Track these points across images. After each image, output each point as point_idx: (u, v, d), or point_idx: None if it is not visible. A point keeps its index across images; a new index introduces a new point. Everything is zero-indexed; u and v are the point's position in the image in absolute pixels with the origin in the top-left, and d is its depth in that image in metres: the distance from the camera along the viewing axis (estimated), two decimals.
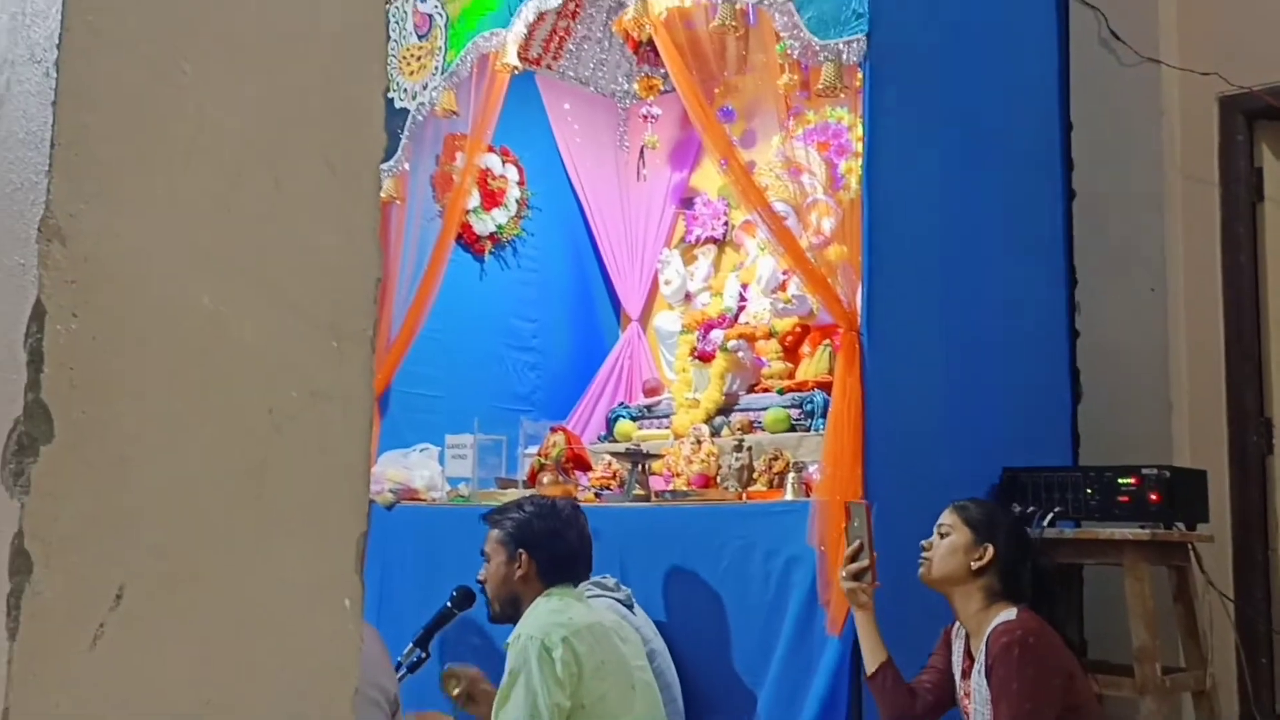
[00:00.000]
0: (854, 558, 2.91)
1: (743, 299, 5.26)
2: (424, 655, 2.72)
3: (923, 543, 2.85)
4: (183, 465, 1.07)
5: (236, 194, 1.10)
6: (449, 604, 2.79)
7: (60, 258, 1.00)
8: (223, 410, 1.10)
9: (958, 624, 2.83)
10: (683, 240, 5.78)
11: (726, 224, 5.62)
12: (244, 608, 1.10)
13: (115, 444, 1.02)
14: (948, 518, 2.84)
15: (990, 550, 2.74)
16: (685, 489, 4.09)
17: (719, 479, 4.14)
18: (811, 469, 3.73)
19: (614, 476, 4.41)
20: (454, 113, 4.71)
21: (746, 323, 5.09)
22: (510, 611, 2.51)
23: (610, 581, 2.88)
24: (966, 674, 2.73)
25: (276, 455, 1.14)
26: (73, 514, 0.99)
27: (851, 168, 4.80)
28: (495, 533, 2.62)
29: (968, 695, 2.71)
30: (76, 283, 1.01)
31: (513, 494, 3.73)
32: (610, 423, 5.33)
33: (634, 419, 5.24)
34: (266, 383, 1.14)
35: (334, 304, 1.20)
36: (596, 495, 4.13)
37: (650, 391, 5.44)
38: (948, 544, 2.78)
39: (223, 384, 1.11)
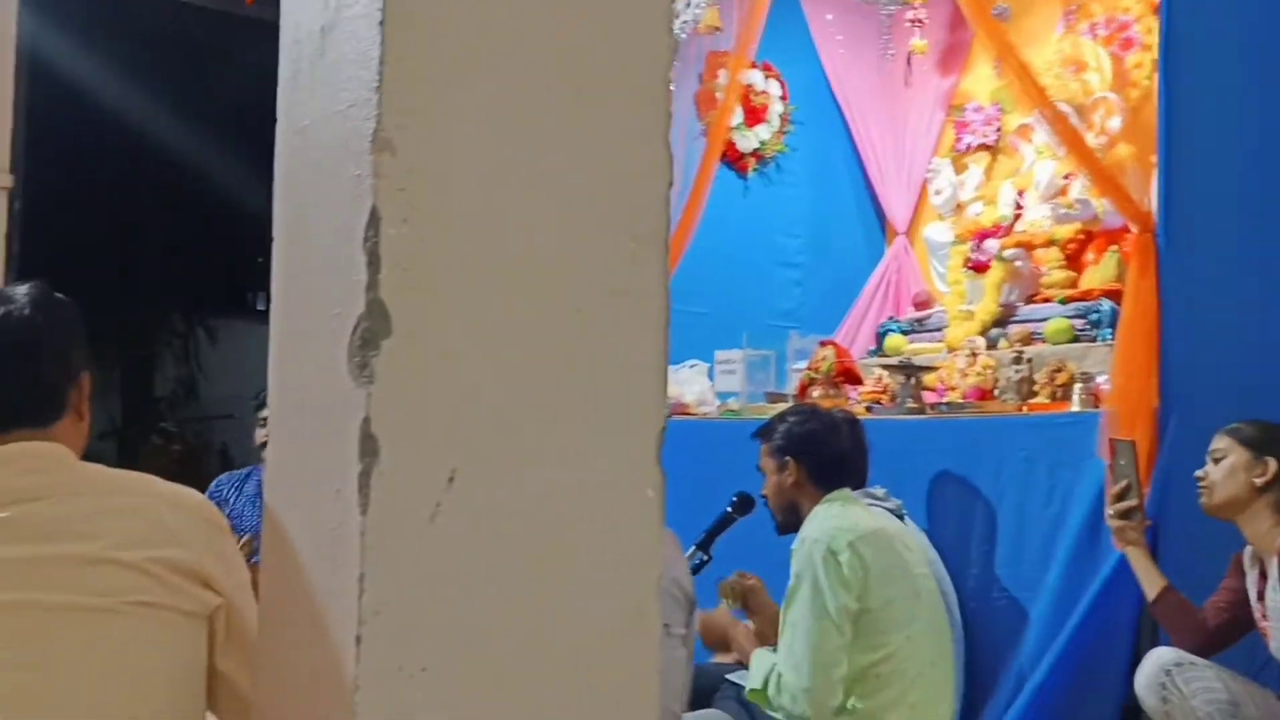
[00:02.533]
0: (1122, 496, 2.84)
1: (1018, 207, 5.04)
2: (706, 558, 2.81)
3: (1197, 474, 2.73)
4: (500, 359, 1.14)
5: (543, 103, 1.16)
6: (729, 509, 2.86)
7: (391, 167, 1.09)
8: (535, 308, 1.17)
9: (1249, 549, 2.68)
10: (953, 149, 5.58)
11: (999, 130, 5.39)
12: (556, 493, 1.17)
13: (443, 338, 1.11)
14: (1220, 441, 2.72)
15: (1273, 464, 2.62)
16: (960, 401, 4.00)
17: (996, 392, 4.03)
18: (1099, 380, 3.56)
19: (884, 391, 4.36)
20: (717, 29, 4.71)
21: (1023, 231, 4.88)
22: (792, 520, 2.55)
23: (880, 492, 2.88)
24: (1262, 595, 2.59)
25: (583, 351, 1.21)
26: (410, 402, 1.09)
27: (1140, 62, 4.48)
28: (765, 446, 2.67)
29: (1265, 616, 2.58)
30: (405, 190, 1.09)
31: (782, 408, 3.76)
32: (879, 337, 5.27)
33: (904, 333, 5.15)
34: (572, 282, 1.20)
35: (631, 207, 1.24)
36: (867, 409, 4.11)
37: (920, 305, 5.32)
38: (1225, 466, 2.67)
39: (534, 283, 1.18)
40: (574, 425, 1.19)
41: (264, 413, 3.55)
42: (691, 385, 4.26)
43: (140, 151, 9.16)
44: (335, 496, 1.08)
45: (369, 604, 1.04)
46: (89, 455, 1.48)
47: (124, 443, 10.88)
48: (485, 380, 1.13)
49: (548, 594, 1.16)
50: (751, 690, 2.31)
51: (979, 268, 4.88)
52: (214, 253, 10.89)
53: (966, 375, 4.18)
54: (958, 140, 5.53)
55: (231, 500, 3.60)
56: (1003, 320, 4.60)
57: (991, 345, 4.41)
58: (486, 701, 1.10)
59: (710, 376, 4.38)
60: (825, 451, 2.68)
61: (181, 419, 11.75)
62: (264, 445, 3.38)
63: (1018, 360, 3.99)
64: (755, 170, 5.43)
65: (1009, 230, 4.95)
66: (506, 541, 1.13)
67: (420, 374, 1.09)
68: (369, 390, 1.07)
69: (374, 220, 1.08)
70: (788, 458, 2.55)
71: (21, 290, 1.42)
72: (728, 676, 2.56)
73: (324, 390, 1.11)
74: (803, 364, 4.37)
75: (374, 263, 1.08)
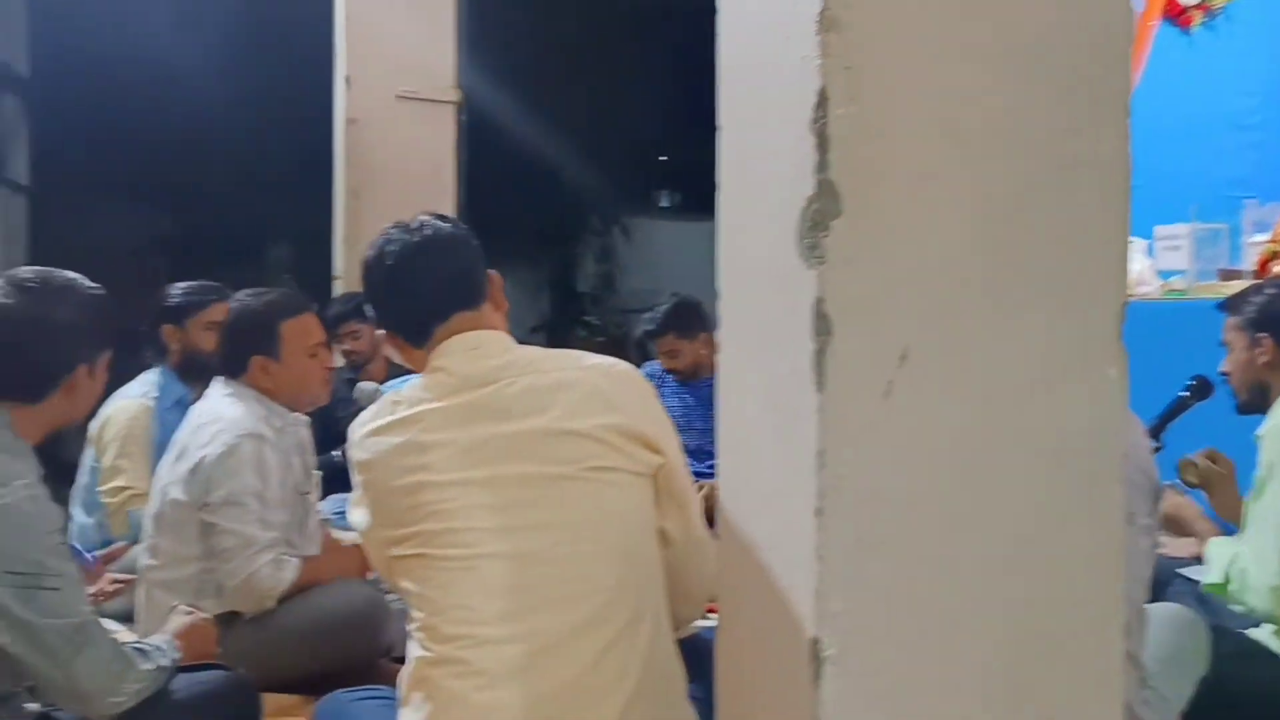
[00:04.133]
0: None
1: None
2: (1158, 445, 2.63)
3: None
4: (952, 236, 1.12)
5: None
6: (1185, 393, 2.65)
7: (837, 46, 1.08)
8: (987, 181, 1.13)
9: None
10: None
11: None
12: (1011, 371, 1.14)
13: (890, 217, 1.10)
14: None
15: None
16: None
17: None
18: None
19: None
20: None
21: None
22: (1257, 401, 2.31)
23: None
24: None
25: (1037, 224, 1.15)
26: (861, 281, 1.09)
27: None
28: (1233, 319, 2.41)
29: None
30: (853, 69, 1.08)
31: (1237, 285, 3.41)
32: None
33: None
34: (1020, 154, 1.15)
35: (1087, 70, 1.16)
36: None
37: None
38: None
39: (986, 156, 1.13)
40: (1028, 301, 1.14)
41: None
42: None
43: (564, 66, 9.73)
44: (789, 375, 1.11)
45: (828, 479, 1.07)
46: None
47: (552, 335, 11.79)
48: (936, 257, 1.11)
49: (1003, 474, 1.14)
50: (1209, 584, 2.15)
51: None
52: (623, 154, 11.40)
53: None
54: None
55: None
56: None
57: None
58: (944, 576, 1.10)
59: (1150, 253, 4.04)
60: None
61: (602, 312, 12.52)
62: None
63: None
64: (1201, 23, 4.88)
65: None
66: (960, 420, 1.11)
67: (871, 253, 1.09)
68: (820, 270, 1.08)
69: (822, 100, 1.08)
70: (1262, 333, 2.30)
71: (426, 214, 1.64)
72: (1179, 571, 2.39)
73: (774, 272, 1.14)
74: (1263, 236, 3.91)
75: (823, 143, 1.08)
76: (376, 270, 1.59)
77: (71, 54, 6.29)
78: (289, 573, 2.20)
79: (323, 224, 5.06)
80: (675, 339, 3.56)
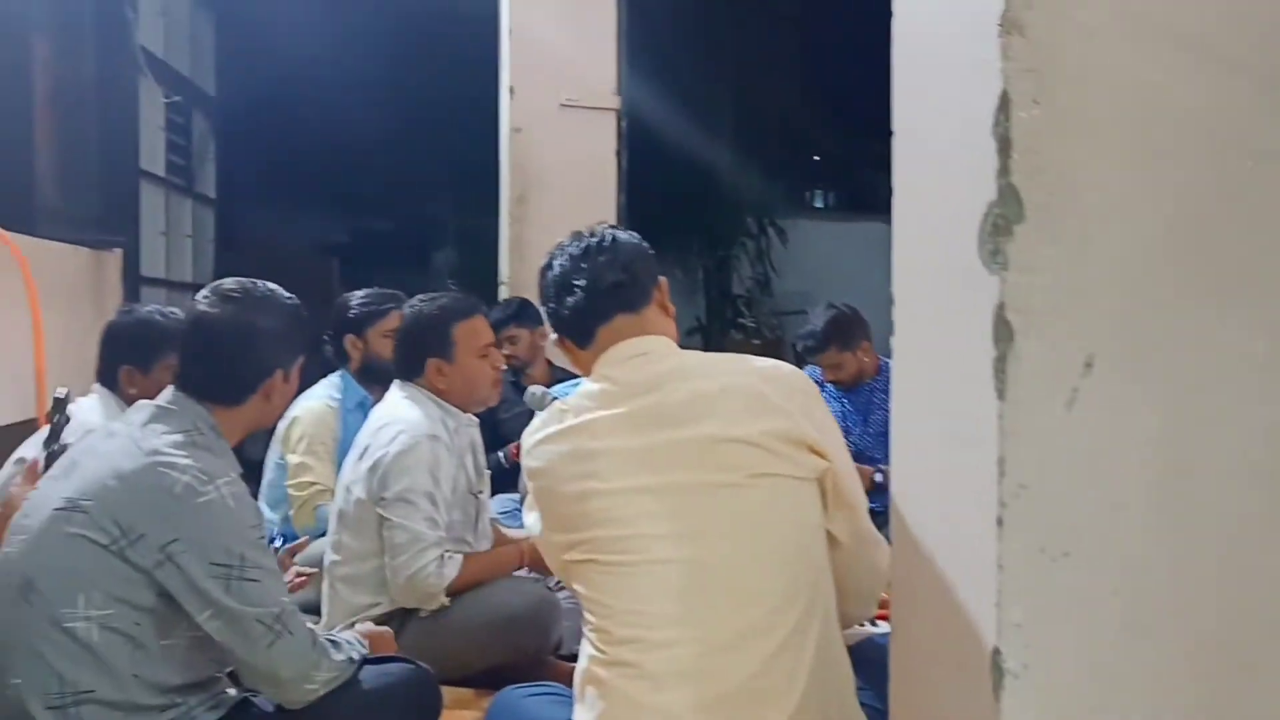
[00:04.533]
0: None
1: None
2: None
3: None
4: (1139, 241, 1.09)
5: None
6: None
7: (1019, 48, 1.06)
8: (1176, 185, 1.10)
9: None
10: None
11: None
12: (1207, 378, 1.10)
13: (1077, 222, 1.08)
14: None
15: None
16: None
17: None
18: None
19: None
20: None
21: None
22: None
23: None
24: None
25: (1231, 224, 1.11)
26: (1044, 287, 1.07)
27: None
28: None
29: None
30: (1035, 71, 1.06)
31: None
32: None
33: None
34: (1217, 150, 1.11)
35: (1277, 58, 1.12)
36: None
37: None
38: None
39: (1171, 153, 1.10)
40: (1228, 304, 1.10)
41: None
42: None
43: (718, 67, 9.77)
44: (969, 382, 1.10)
45: (1009, 486, 1.06)
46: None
47: (708, 338, 11.81)
48: (1126, 261, 1.08)
49: (1203, 484, 1.10)
50: None
51: None
52: (777, 155, 11.34)
53: None
54: None
55: None
56: None
57: None
58: (1135, 590, 1.08)
59: None
60: None
61: (757, 314, 12.48)
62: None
63: None
64: None
65: None
66: (1152, 429, 1.08)
67: (1054, 258, 1.07)
68: (1002, 275, 1.07)
69: (1004, 104, 1.06)
70: None
71: (599, 224, 1.68)
72: None
73: (953, 277, 1.13)
74: None
75: (1004, 147, 1.06)
76: (547, 274, 1.64)
77: (252, 72, 6.62)
78: (451, 570, 2.27)
79: (486, 230, 5.19)
80: (838, 353, 3.52)
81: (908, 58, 1.26)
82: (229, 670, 1.72)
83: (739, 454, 1.44)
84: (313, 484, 2.98)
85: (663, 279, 1.65)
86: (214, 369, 1.71)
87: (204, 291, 1.77)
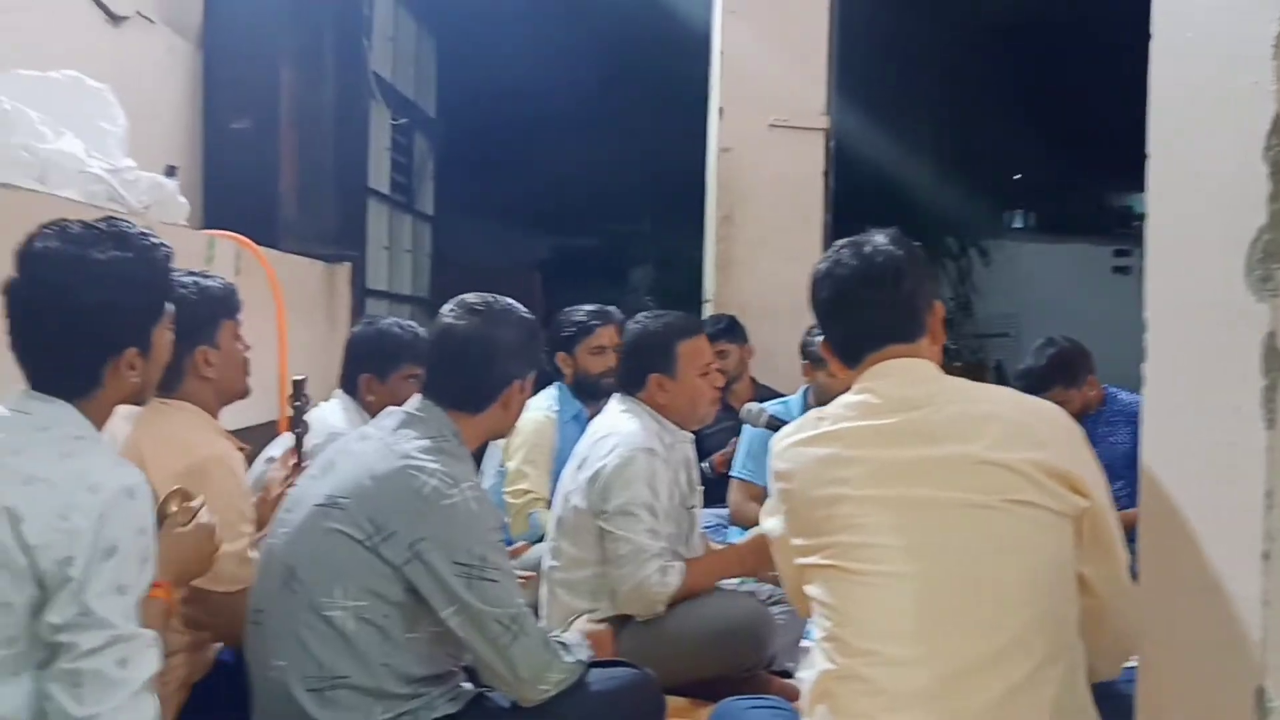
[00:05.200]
0: None
1: None
2: None
3: None
4: None
5: None
6: None
7: None
8: None
9: None
10: None
11: None
12: None
13: None
14: None
15: None
16: None
17: None
18: None
19: None
20: None
21: None
22: None
23: None
24: None
25: None
26: None
27: None
28: None
29: None
30: None
31: None
32: None
33: None
34: None
35: None
36: None
37: None
38: None
39: None
40: None
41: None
42: None
43: (921, 87, 9.65)
44: (1234, 412, 1.07)
45: (1277, 520, 1.02)
46: None
47: None
48: None
49: None
50: None
51: None
52: (977, 174, 11.09)
53: None
54: None
55: None
56: None
57: None
58: None
59: None
60: None
61: (959, 337, 12.19)
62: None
63: None
64: None
65: None
66: None
67: None
68: (1272, 303, 1.03)
69: (1276, 127, 1.03)
70: None
71: (880, 234, 1.62)
72: None
73: (1216, 305, 1.10)
74: None
75: (1276, 171, 1.03)
76: (823, 289, 1.63)
77: (469, 93, 6.91)
78: (674, 578, 2.32)
79: (686, 248, 5.27)
80: (1063, 390, 3.42)
81: (1166, 80, 1.23)
82: (464, 664, 1.81)
83: (997, 477, 1.42)
84: (527, 492, 3.10)
85: (938, 305, 1.63)
86: (459, 378, 1.81)
87: (449, 305, 1.88)
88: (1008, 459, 1.42)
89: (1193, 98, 1.18)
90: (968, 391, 1.54)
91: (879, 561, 1.43)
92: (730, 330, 3.94)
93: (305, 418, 2.27)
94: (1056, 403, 3.37)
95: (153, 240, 1.48)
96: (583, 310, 3.30)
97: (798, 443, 1.55)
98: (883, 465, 1.46)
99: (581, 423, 2.93)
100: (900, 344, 1.57)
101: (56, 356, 1.42)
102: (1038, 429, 1.46)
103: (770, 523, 1.61)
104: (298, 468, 2.10)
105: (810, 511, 1.51)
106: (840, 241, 1.65)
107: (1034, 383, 3.39)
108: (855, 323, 1.59)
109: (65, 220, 1.43)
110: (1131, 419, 3.36)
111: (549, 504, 2.96)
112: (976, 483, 1.42)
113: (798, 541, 1.53)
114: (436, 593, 1.66)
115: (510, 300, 1.90)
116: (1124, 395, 3.47)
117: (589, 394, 3.15)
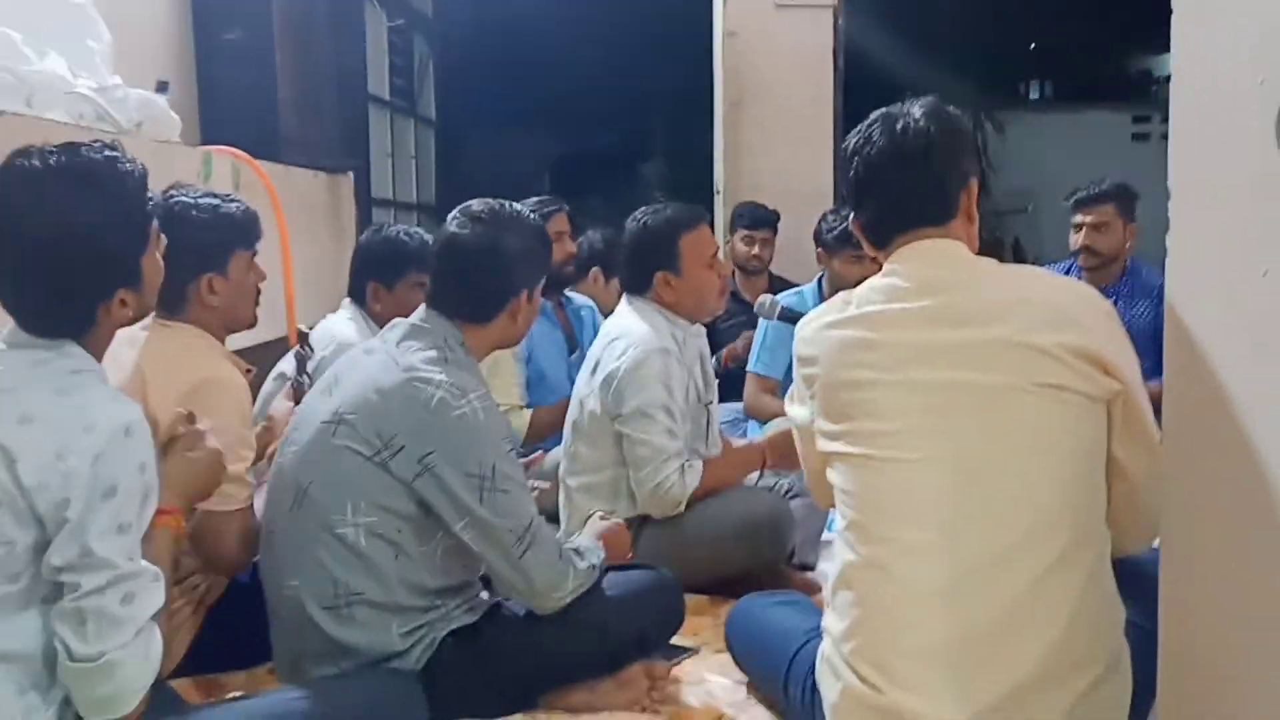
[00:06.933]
0: None
1: None
2: None
3: None
4: None
5: None
6: None
7: None
8: None
9: None
10: None
11: None
12: None
13: None
14: None
15: None
16: None
17: None
18: None
19: None
20: None
21: None
22: None
23: None
24: None
25: None
26: None
27: None
28: None
29: None
30: None
31: None
32: None
33: None
34: None
35: None
36: None
37: None
38: None
39: None
40: None
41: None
42: None
43: None
44: (1263, 279, 1.02)
45: None
46: None
47: None
48: None
49: None
50: None
51: None
52: (991, 45, 10.80)
53: None
54: None
55: None
56: None
57: None
58: None
59: None
60: None
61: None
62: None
63: None
64: None
65: None
66: None
67: None
68: None
69: None
70: None
71: (917, 105, 1.52)
72: None
73: (1245, 171, 1.04)
74: None
75: None
76: (852, 168, 1.55)
77: None
78: (693, 478, 2.31)
79: (694, 139, 5.14)
80: (1115, 213, 3.35)
81: None
82: (482, 575, 1.80)
83: (1029, 360, 1.37)
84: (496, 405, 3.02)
85: (973, 181, 1.54)
86: (464, 288, 1.77)
87: (454, 213, 1.82)
88: (1039, 341, 1.36)
89: None
90: (998, 273, 1.48)
91: (903, 447, 1.39)
92: (767, 218, 3.91)
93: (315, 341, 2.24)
94: (1097, 224, 3.36)
95: (122, 167, 1.40)
96: (530, 201, 3.18)
97: (823, 326, 1.50)
98: (910, 349, 1.41)
99: (548, 315, 2.85)
100: (930, 225, 1.50)
101: (44, 309, 1.37)
102: (1070, 310, 1.40)
103: (796, 409, 1.57)
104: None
105: (835, 395, 1.47)
106: (875, 114, 1.55)
107: (1094, 193, 3.35)
108: (884, 204, 1.52)
109: (24, 162, 1.35)
110: (1150, 292, 3.30)
111: (522, 408, 2.95)
112: (1006, 366, 1.37)
113: (822, 425, 1.49)
114: (448, 506, 1.65)
115: (518, 206, 1.84)
116: (1144, 269, 3.40)
117: (550, 285, 3.05)
